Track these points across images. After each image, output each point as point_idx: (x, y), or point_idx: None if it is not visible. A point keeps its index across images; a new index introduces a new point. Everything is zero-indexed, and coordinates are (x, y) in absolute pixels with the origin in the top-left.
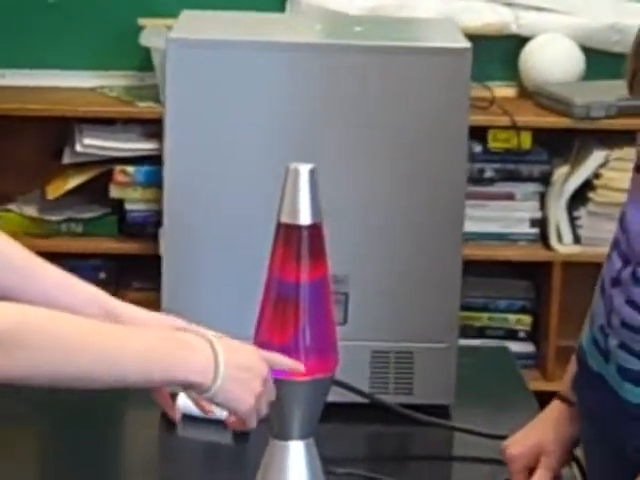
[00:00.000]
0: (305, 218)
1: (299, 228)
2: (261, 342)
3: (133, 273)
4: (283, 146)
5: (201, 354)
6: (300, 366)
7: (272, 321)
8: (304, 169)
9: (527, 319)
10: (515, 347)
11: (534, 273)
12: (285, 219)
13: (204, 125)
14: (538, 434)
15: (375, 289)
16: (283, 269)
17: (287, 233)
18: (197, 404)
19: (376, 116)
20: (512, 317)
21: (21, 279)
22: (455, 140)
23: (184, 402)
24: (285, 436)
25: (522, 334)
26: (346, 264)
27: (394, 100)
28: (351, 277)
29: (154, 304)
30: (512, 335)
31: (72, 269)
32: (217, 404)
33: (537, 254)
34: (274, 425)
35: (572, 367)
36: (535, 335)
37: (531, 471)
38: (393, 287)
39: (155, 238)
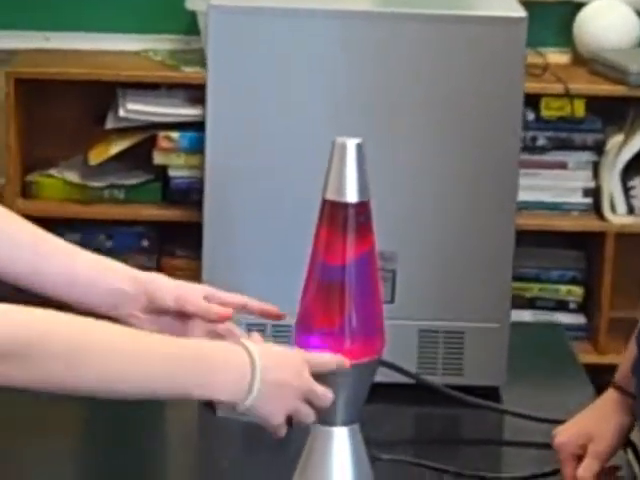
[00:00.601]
0: (352, 195)
1: (345, 206)
2: (304, 326)
3: (176, 241)
4: (331, 118)
5: (235, 373)
6: (346, 362)
7: (316, 304)
8: (351, 144)
9: (578, 290)
10: (565, 318)
11: (586, 243)
12: (330, 196)
13: (247, 95)
14: (588, 422)
15: (424, 266)
16: (328, 250)
17: (332, 211)
18: None
19: (430, 86)
20: (563, 288)
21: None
22: (510, 111)
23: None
24: (329, 422)
25: (573, 305)
26: (393, 240)
27: (448, 70)
28: (399, 253)
29: (196, 272)
30: (563, 306)
31: (114, 236)
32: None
33: (590, 224)
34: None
35: (630, 354)
36: (586, 307)
37: (580, 459)
38: (442, 264)
39: (199, 205)
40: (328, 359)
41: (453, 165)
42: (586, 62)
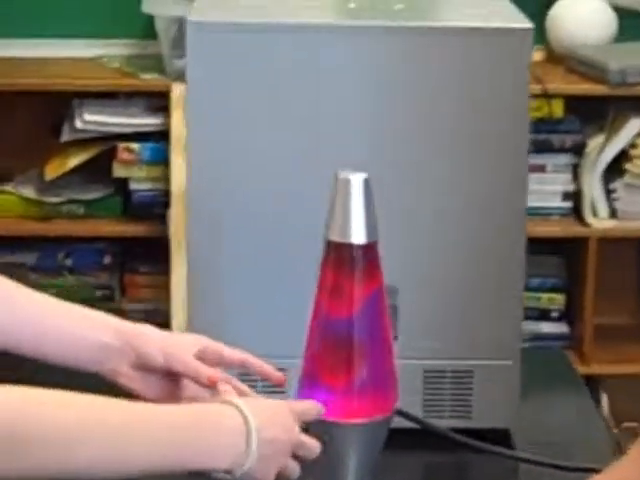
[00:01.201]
0: (359, 237)
1: (351, 248)
2: (309, 382)
3: (139, 257)
4: (320, 140)
5: (231, 437)
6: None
7: (322, 359)
8: (357, 179)
9: (560, 298)
10: (548, 328)
11: (566, 249)
12: (335, 237)
13: (231, 116)
14: (624, 474)
15: (427, 300)
16: (333, 299)
17: (337, 254)
18: None
19: (428, 105)
20: (544, 296)
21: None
22: (516, 133)
23: None
24: None
25: (555, 314)
26: (394, 273)
27: (448, 88)
28: (400, 288)
29: (162, 289)
30: (544, 315)
31: (74, 254)
32: None
33: (570, 229)
34: (324, 473)
35: None
36: (569, 315)
37: None
38: (448, 298)
39: (162, 219)
40: (310, 407)
41: (457, 194)
42: (561, 59)
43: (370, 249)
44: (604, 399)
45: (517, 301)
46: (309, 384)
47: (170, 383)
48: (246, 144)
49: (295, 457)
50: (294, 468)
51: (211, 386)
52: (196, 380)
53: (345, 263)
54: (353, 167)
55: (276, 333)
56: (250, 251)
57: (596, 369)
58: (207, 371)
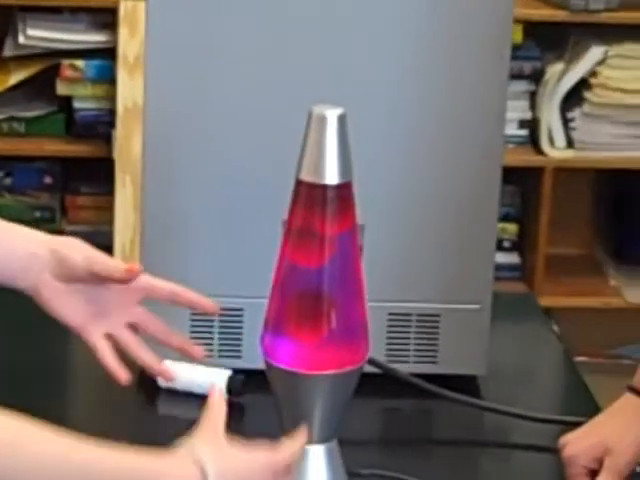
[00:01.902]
0: (332, 177)
1: (324, 188)
2: (275, 331)
3: (82, 177)
4: (286, 67)
5: None
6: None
7: (289, 307)
8: (332, 115)
9: (513, 228)
10: (499, 258)
11: (522, 178)
12: (307, 177)
13: (194, 47)
14: (603, 431)
15: (393, 240)
16: (302, 245)
17: (309, 194)
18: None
19: (394, 32)
20: (497, 225)
21: None
22: (495, 64)
23: None
24: None
25: (507, 244)
26: (359, 210)
27: (417, 15)
28: (366, 227)
29: (105, 210)
30: (497, 245)
31: (14, 173)
32: None
33: (526, 158)
34: (288, 425)
35: None
36: (521, 245)
37: (593, 474)
38: (415, 238)
39: (107, 139)
40: (296, 449)
41: (428, 128)
42: None
43: (344, 190)
44: (555, 331)
45: (489, 241)
46: (274, 333)
47: (94, 295)
48: (207, 71)
49: None
50: None
51: (130, 279)
52: (115, 277)
53: (317, 205)
54: (319, 96)
55: (233, 272)
56: (210, 185)
57: (547, 301)
58: (125, 265)
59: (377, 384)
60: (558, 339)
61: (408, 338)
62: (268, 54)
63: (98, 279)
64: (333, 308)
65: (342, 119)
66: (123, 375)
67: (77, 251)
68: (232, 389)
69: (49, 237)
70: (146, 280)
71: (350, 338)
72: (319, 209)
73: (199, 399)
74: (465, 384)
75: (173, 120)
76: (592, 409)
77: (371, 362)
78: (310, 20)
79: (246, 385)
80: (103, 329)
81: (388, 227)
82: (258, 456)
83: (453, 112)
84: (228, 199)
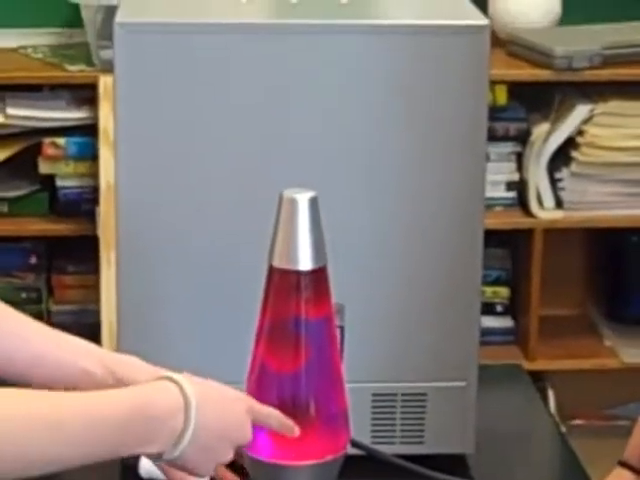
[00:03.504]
0: (305, 263)
1: (297, 275)
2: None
3: (67, 256)
4: (266, 148)
5: (169, 423)
6: (295, 429)
7: (266, 400)
8: (303, 198)
9: (504, 291)
10: (492, 322)
11: (511, 241)
12: (279, 263)
13: (165, 130)
14: None
15: (376, 319)
16: (276, 343)
17: (282, 281)
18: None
19: (383, 108)
20: (488, 289)
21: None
22: (474, 137)
23: (147, 465)
24: None
25: (499, 308)
26: (340, 292)
27: (403, 89)
28: (347, 307)
29: (91, 289)
30: (489, 309)
31: None
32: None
33: (515, 220)
34: None
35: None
36: (513, 309)
37: None
38: (397, 317)
39: (91, 217)
40: (275, 416)
41: (404, 206)
42: (504, 43)
43: (318, 275)
44: (550, 394)
45: (473, 318)
46: (253, 425)
47: None
48: (177, 150)
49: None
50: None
51: None
52: None
53: (291, 291)
54: (293, 178)
55: (210, 355)
56: (184, 266)
57: (542, 364)
58: None
59: (362, 466)
60: (547, 411)
61: (394, 419)
62: (240, 135)
63: None
64: (311, 398)
65: (314, 202)
66: None
67: (139, 373)
68: None
69: (103, 352)
70: None
71: (330, 427)
72: (293, 295)
73: None
74: (454, 463)
75: (145, 201)
76: None
77: (355, 444)
78: (280, 101)
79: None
80: None
81: (369, 306)
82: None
83: (429, 188)
84: (203, 281)
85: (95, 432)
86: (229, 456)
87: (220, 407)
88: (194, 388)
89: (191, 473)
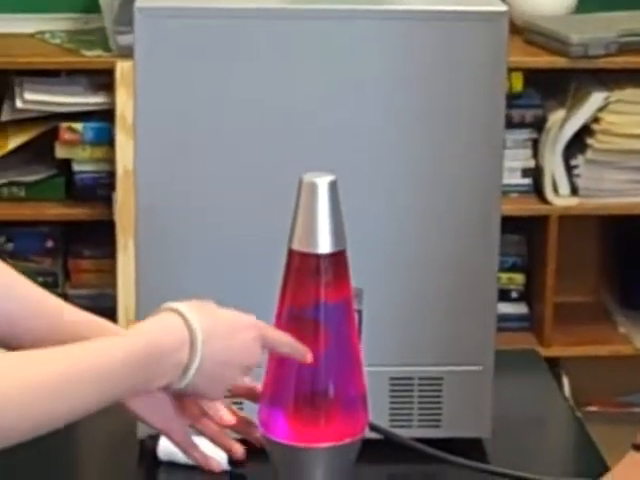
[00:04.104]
0: (325, 246)
1: (317, 258)
2: (270, 401)
3: (83, 240)
4: (285, 139)
5: (174, 357)
6: (308, 356)
7: (284, 383)
8: (323, 182)
9: (519, 278)
10: (507, 308)
11: (527, 227)
12: (299, 246)
13: (185, 114)
14: None
15: (394, 304)
16: (295, 320)
17: (301, 264)
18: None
19: (401, 95)
20: (504, 276)
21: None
22: (492, 126)
23: (166, 447)
24: None
25: (514, 294)
26: (359, 275)
27: (411, 76)
28: (366, 290)
29: (108, 273)
30: (504, 296)
31: (15, 238)
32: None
33: (531, 207)
34: None
35: None
36: (528, 295)
37: None
38: (415, 301)
39: (107, 202)
40: (287, 342)
41: (429, 191)
42: (521, 31)
43: (337, 258)
44: (565, 381)
45: (489, 302)
46: (270, 406)
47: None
48: (197, 134)
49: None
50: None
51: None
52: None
53: (310, 275)
54: (310, 163)
55: None
56: (203, 252)
57: (557, 351)
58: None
59: (380, 449)
60: (563, 396)
61: (411, 402)
62: (259, 121)
63: None
64: (330, 381)
65: (333, 186)
66: (214, 464)
67: None
68: (234, 460)
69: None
70: None
71: (349, 410)
72: (313, 279)
73: (200, 472)
74: (471, 447)
75: (164, 187)
76: (601, 468)
77: (373, 428)
78: (300, 86)
79: (248, 455)
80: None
81: (387, 291)
82: (246, 316)
83: (447, 174)
84: (222, 265)
85: (108, 382)
86: (238, 379)
87: (228, 339)
88: (201, 322)
89: (203, 398)
